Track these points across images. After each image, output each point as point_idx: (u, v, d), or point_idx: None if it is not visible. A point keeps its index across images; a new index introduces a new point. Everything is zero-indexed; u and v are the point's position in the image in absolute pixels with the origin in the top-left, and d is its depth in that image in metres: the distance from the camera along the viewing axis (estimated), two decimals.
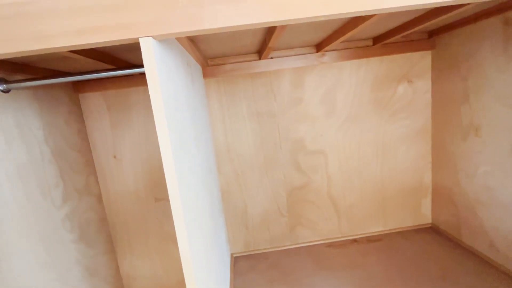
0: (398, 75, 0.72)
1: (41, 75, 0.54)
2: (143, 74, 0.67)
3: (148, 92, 0.70)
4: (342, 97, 0.72)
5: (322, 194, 0.77)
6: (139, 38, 0.26)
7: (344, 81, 0.71)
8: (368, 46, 0.69)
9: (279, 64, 0.68)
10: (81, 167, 0.65)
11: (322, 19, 0.28)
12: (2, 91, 0.46)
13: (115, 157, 0.71)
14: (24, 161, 0.49)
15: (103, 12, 0.26)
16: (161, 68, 0.28)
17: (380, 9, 0.28)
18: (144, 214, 0.74)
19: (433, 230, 0.79)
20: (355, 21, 0.46)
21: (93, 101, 0.68)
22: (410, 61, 0.72)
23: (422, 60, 0.72)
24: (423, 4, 0.28)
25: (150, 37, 0.26)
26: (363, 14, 0.28)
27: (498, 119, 0.56)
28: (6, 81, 0.46)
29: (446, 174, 0.73)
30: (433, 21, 0.47)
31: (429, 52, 0.72)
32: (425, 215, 0.81)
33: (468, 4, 0.40)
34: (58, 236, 0.54)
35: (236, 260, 0.76)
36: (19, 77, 0.50)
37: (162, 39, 0.30)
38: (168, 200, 0.74)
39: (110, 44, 0.27)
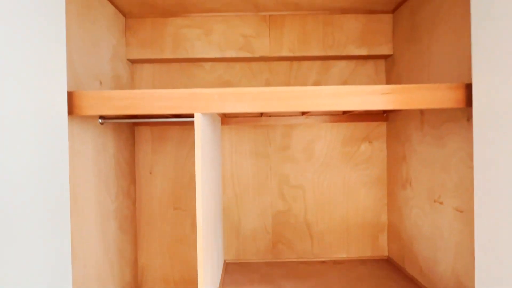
0: (361, 136, 0.99)
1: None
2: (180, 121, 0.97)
3: (179, 129, 0.99)
4: (319, 148, 0.99)
5: (300, 220, 1.00)
6: (195, 113, 0.54)
7: (320, 137, 0.99)
8: (339, 114, 0.97)
9: (274, 121, 0.97)
10: (128, 177, 0.93)
11: (295, 109, 0.56)
12: (100, 123, 0.76)
13: (150, 173, 0.99)
14: (102, 167, 0.77)
15: (177, 100, 0.55)
16: (203, 129, 0.56)
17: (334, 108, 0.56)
18: (163, 219, 0.99)
19: (388, 261, 0.97)
20: None
21: (143, 132, 0.99)
22: (370, 127, 0.99)
23: (378, 127, 0.99)
24: (341, 110, 0.56)
25: (199, 113, 0.55)
26: (307, 110, 0.56)
27: (420, 175, 0.80)
28: (103, 117, 0.77)
29: (395, 214, 0.95)
30: None
31: (384, 122, 0.99)
32: (383, 247, 1.00)
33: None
34: (108, 222, 0.80)
35: (227, 265, 0.97)
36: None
37: (205, 113, 0.58)
38: (182, 209, 0.99)
39: (181, 115, 0.55)
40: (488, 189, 0.51)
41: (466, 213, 0.64)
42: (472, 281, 0.63)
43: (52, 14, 0.52)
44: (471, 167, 0.62)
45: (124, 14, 0.91)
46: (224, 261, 0.99)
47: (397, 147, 0.92)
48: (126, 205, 0.91)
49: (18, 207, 0.41)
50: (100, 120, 0.76)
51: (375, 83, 1.00)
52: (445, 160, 0.70)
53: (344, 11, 0.92)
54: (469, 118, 0.62)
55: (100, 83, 0.77)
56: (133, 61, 0.96)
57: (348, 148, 0.99)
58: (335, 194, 1.00)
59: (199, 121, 0.54)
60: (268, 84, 0.99)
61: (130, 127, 0.95)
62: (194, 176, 0.99)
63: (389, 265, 0.94)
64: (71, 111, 0.55)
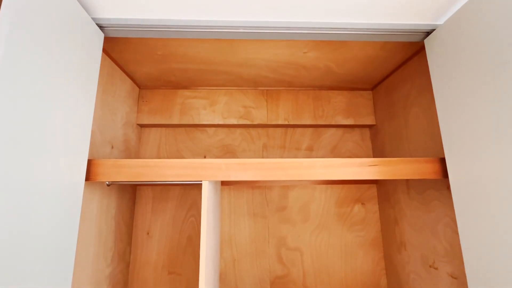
0: (353, 198, 1.04)
1: None
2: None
3: (180, 189, 1.03)
4: (315, 209, 1.03)
5: (299, 285, 0.97)
6: (203, 181, 0.60)
7: (315, 198, 1.04)
8: None
9: (271, 182, 1.02)
10: (125, 238, 0.92)
11: (293, 179, 0.62)
12: (107, 185, 0.80)
13: (148, 233, 0.98)
14: (103, 229, 0.77)
15: (188, 169, 0.61)
16: (209, 195, 0.61)
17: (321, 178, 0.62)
18: (156, 284, 0.94)
19: None
20: None
21: (144, 192, 1.02)
22: (362, 189, 1.05)
23: (370, 189, 1.05)
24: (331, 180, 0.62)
25: (207, 181, 0.60)
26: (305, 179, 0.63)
27: (413, 239, 0.83)
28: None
29: (393, 279, 0.94)
30: None
31: (374, 185, 1.06)
32: None
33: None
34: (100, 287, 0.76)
35: None
36: None
37: (212, 181, 0.64)
38: (177, 273, 0.96)
39: (188, 183, 0.61)
40: (476, 255, 0.55)
41: (460, 279, 0.66)
42: None
43: (86, 93, 0.61)
44: (457, 232, 0.66)
45: (139, 86, 1.03)
46: None
47: (388, 210, 0.97)
48: (120, 269, 0.88)
49: (31, 260, 0.42)
50: (107, 182, 0.80)
51: (362, 148, 1.10)
52: (433, 225, 0.75)
53: (331, 88, 1.07)
54: (448, 186, 0.69)
55: (112, 147, 0.83)
56: (142, 126, 1.05)
57: (342, 209, 1.03)
58: (333, 256, 1.00)
59: (206, 188, 0.59)
60: (265, 147, 1.08)
61: (133, 187, 0.98)
62: (192, 238, 0.99)
63: None
64: (88, 177, 0.60)
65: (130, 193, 0.96)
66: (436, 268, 0.74)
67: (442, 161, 0.66)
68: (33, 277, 0.44)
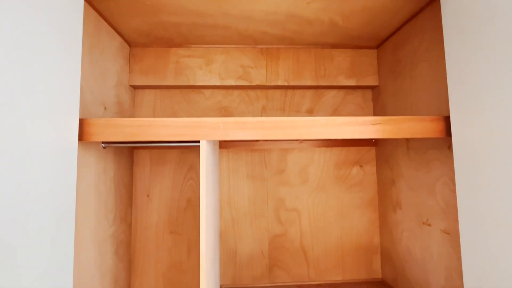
0: (352, 160, 1.04)
1: None
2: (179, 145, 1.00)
3: (177, 152, 1.02)
4: (313, 172, 1.03)
5: (296, 244, 1.01)
6: (200, 141, 0.58)
7: (314, 161, 1.03)
8: (332, 139, 1.03)
9: (270, 145, 1.01)
10: (125, 200, 0.93)
11: (292, 138, 0.61)
12: (103, 147, 0.78)
13: (148, 196, 0.99)
14: (102, 191, 0.77)
15: (185, 128, 0.58)
16: (208, 155, 0.59)
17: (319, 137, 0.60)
18: (158, 243, 0.98)
19: (382, 283, 0.99)
20: None
21: (142, 155, 1.00)
22: (361, 152, 1.05)
23: (369, 152, 1.05)
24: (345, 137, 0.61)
25: (205, 141, 0.58)
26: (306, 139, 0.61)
27: (409, 199, 0.85)
28: (105, 141, 0.79)
29: (386, 237, 0.98)
30: None
31: (373, 147, 1.05)
32: (376, 270, 1.02)
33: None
34: (104, 247, 0.79)
35: None
36: None
37: (210, 140, 0.62)
38: (178, 233, 0.99)
39: (187, 143, 0.59)
40: (471, 212, 0.56)
41: (452, 235, 0.68)
42: None
43: (70, 46, 0.56)
44: (454, 191, 0.67)
45: (129, 43, 0.96)
46: (220, 286, 0.98)
47: (386, 171, 0.98)
48: (123, 230, 0.91)
49: (29, 221, 0.42)
50: (103, 144, 0.78)
51: (363, 110, 1.07)
52: (430, 184, 0.75)
53: (333, 46, 1.01)
54: (449, 146, 0.68)
55: (105, 108, 0.80)
56: (135, 87, 1.01)
57: (341, 171, 1.04)
58: (330, 217, 1.02)
59: (204, 148, 0.58)
60: (264, 110, 1.05)
61: (129, 150, 0.96)
62: (191, 200, 1.00)
63: (384, 287, 0.96)
64: (81, 137, 0.57)
65: (128, 156, 0.95)
66: (429, 225, 0.76)
67: (446, 119, 0.64)
68: (34, 236, 0.44)
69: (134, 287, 0.96)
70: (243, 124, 0.59)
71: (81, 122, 0.58)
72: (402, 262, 0.89)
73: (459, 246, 0.66)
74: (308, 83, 1.01)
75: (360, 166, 1.05)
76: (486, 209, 0.53)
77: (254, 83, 1.00)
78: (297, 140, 0.99)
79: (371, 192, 1.04)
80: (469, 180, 0.57)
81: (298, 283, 1.00)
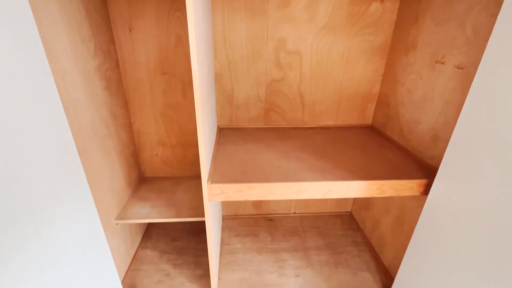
0: None
1: None
2: None
3: None
4: (324, 7, 0.86)
5: (293, 89, 0.99)
6: None
7: None
8: None
9: None
10: (104, 32, 0.81)
11: None
12: None
13: (130, 31, 0.86)
14: (71, 14, 0.64)
15: None
16: None
17: None
18: (151, 84, 0.94)
19: (371, 128, 1.05)
20: None
21: None
22: None
23: None
24: None
25: None
26: None
27: (429, 36, 0.74)
28: None
29: (388, 84, 0.95)
30: None
31: None
32: (368, 117, 1.06)
33: None
34: (92, 81, 0.74)
35: (221, 130, 1.01)
36: None
37: None
38: (171, 75, 0.93)
39: None
40: (506, 41, 0.47)
41: (466, 69, 0.63)
42: (447, 134, 0.69)
43: None
44: (493, 15, 0.56)
45: None
46: (218, 126, 1.03)
47: (412, 6, 0.82)
48: (109, 66, 0.84)
49: None
50: None
51: None
52: (463, 13, 0.63)
53: None
54: None
55: None
56: None
57: (357, 7, 0.87)
58: (333, 62, 0.95)
59: None
60: None
61: None
62: (181, 38, 0.88)
63: (372, 130, 1.02)
64: None
65: None
66: (442, 63, 0.70)
67: None
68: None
69: (135, 124, 1.00)
70: None
71: None
72: (397, 107, 0.90)
73: (468, 80, 0.62)
74: None
75: (380, 1, 0.87)
76: None
77: None
78: None
79: (384, 35, 0.92)
80: None
81: (292, 126, 1.05)
